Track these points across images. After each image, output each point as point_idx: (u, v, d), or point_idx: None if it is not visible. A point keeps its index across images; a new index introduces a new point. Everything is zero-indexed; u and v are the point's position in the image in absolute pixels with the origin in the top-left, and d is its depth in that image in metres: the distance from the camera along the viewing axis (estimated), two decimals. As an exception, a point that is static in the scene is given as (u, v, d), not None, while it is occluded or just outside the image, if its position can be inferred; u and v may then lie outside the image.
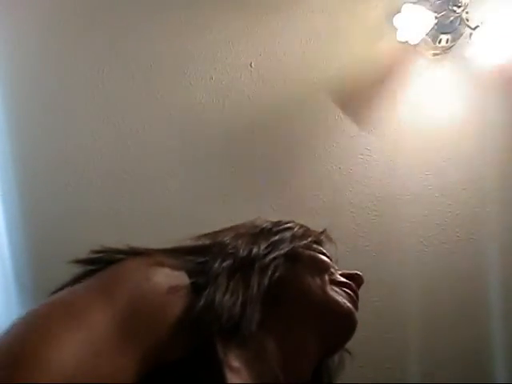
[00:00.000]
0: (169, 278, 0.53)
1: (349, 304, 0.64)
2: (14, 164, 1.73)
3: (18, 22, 1.63)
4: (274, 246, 0.64)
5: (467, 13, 1.55)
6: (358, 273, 0.69)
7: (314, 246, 0.70)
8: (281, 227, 0.69)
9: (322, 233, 0.73)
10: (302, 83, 1.67)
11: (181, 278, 0.54)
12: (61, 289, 0.53)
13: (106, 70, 1.65)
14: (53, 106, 1.69)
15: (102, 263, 0.54)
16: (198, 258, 0.59)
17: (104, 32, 1.63)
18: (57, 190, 1.75)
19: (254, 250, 0.62)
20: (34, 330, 0.45)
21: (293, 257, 0.65)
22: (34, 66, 1.67)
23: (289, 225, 0.71)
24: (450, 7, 1.53)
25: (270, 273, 0.61)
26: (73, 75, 1.65)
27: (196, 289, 0.53)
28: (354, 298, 0.66)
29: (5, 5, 1.60)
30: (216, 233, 0.67)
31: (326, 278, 0.65)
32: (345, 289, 0.66)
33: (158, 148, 1.71)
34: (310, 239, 0.70)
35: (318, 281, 0.64)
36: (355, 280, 0.68)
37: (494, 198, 1.76)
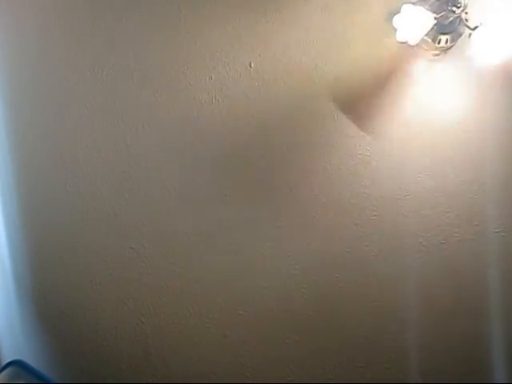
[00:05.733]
0: None
1: None
2: (14, 164, 1.74)
3: (18, 22, 1.63)
4: None
5: (466, 13, 1.56)
6: None
7: None
8: None
9: None
10: (302, 83, 1.68)
11: None
12: None
13: (106, 70, 1.65)
14: (52, 105, 1.70)
15: None
16: None
17: (104, 32, 1.64)
18: (56, 190, 1.75)
19: None
20: None
21: None
22: (34, 66, 1.67)
23: None
24: (450, 8, 1.54)
25: None
26: (73, 75, 1.66)
27: None
28: None
29: (5, 5, 1.60)
30: None
31: None
32: None
33: (157, 148, 1.71)
34: None
35: None
36: None
37: (494, 199, 1.76)
